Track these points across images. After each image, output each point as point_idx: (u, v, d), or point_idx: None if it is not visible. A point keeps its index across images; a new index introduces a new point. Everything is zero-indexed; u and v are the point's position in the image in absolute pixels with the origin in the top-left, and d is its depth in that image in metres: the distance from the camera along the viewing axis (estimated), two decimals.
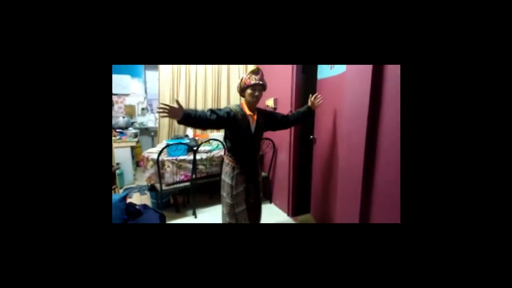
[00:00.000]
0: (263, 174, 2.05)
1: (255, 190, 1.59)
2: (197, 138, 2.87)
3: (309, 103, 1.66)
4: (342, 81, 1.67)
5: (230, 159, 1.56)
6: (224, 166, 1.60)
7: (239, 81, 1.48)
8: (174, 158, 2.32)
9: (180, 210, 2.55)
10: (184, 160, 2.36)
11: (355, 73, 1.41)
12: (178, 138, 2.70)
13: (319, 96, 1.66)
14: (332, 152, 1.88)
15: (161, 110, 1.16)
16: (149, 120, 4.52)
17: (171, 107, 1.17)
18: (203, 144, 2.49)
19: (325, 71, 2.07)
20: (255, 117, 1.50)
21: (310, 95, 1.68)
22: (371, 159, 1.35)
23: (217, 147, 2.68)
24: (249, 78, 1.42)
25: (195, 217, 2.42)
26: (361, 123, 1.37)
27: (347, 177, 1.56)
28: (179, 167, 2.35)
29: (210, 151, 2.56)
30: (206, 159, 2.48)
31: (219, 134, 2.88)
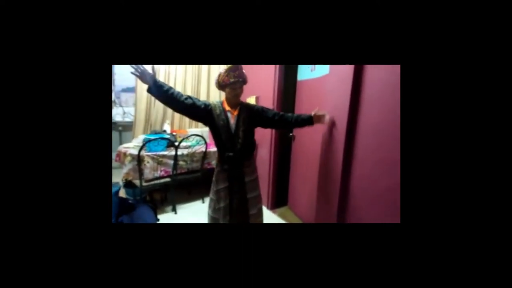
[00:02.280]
0: None
1: (239, 191, 1.50)
2: (175, 133, 2.82)
3: (313, 114, 1.56)
4: (323, 83, 1.83)
5: (217, 156, 1.56)
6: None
7: (216, 76, 1.41)
8: (154, 153, 2.26)
9: (158, 206, 2.50)
10: (164, 156, 2.32)
11: (338, 75, 1.56)
12: (156, 133, 2.63)
13: (328, 117, 1.58)
14: (310, 148, 2.03)
15: (134, 68, 1.19)
16: (117, 114, 4.24)
17: (143, 69, 1.19)
18: (184, 140, 2.46)
19: (305, 73, 2.22)
20: (236, 113, 1.44)
21: (317, 109, 1.58)
22: (349, 156, 1.51)
23: (197, 143, 2.67)
24: (227, 75, 1.35)
25: (175, 213, 2.40)
26: (341, 123, 1.53)
27: (325, 175, 1.71)
28: (159, 162, 2.30)
29: (190, 146, 2.55)
30: (187, 155, 2.47)
31: (199, 130, 2.88)
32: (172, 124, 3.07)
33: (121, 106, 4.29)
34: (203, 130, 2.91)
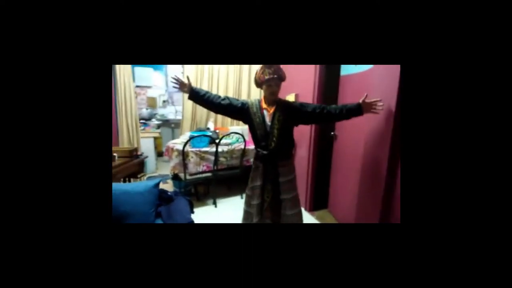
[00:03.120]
0: None
1: (273, 189, 1.48)
2: (218, 131, 2.96)
3: (361, 101, 1.38)
4: (367, 78, 1.68)
5: (254, 154, 1.59)
6: None
7: (255, 74, 1.44)
8: (198, 149, 2.42)
9: (200, 199, 2.67)
10: (206, 152, 2.46)
11: (383, 71, 1.42)
12: (200, 131, 2.81)
13: (381, 103, 1.34)
14: (353, 150, 1.90)
15: (173, 81, 1.37)
16: (170, 112, 4.67)
17: (181, 81, 1.37)
18: (224, 137, 2.57)
19: (349, 67, 2.07)
20: (272, 110, 1.42)
21: (366, 94, 1.38)
22: (395, 158, 1.36)
23: (237, 140, 2.75)
24: (262, 73, 1.36)
25: (215, 206, 2.53)
26: (387, 123, 1.39)
27: (369, 176, 1.58)
28: (202, 158, 2.45)
29: (230, 144, 2.65)
30: (227, 152, 2.57)
31: (239, 128, 2.96)
32: (215, 122, 3.23)
33: (173, 105, 4.72)
34: (243, 128, 2.98)
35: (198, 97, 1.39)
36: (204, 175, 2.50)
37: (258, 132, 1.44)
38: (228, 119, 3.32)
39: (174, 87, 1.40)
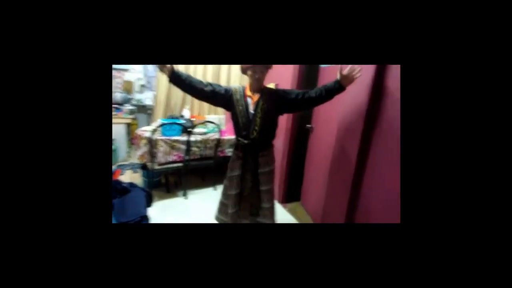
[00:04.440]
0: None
1: (252, 181, 1.45)
2: (193, 119, 2.82)
3: (338, 77, 1.26)
4: None
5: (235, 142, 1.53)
6: None
7: None
8: (168, 138, 2.28)
9: (170, 190, 2.55)
10: (177, 141, 2.32)
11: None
12: (173, 118, 2.65)
13: (359, 69, 1.23)
14: (326, 143, 1.84)
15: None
16: (147, 97, 4.43)
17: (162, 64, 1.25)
18: (198, 126, 2.44)
19: None
20: (256, 98, 1.36)
21: (341, 67, 1.26)
22: (365, 152, 1.31)
23: (212, 130, 2.63)
24: None
25: (186, 198, 2.42)
26: (359, 116, 1.32)
27: (338, 169, 1.53)
28: (172, 147, 2.32)
29: (205, 133, 2.52)
30: (200, 141, 2.45)
31: (216, 117, 2.83)
32: (192, 110, 3.07)
33: (151, 90, 4.48)
34: (220, 117, 2.86)
35: (179, 81, 1.29)
36: (174, 165, 2.37)
37: (240, 120, 1.38)
38: (205, 107, 3.18)
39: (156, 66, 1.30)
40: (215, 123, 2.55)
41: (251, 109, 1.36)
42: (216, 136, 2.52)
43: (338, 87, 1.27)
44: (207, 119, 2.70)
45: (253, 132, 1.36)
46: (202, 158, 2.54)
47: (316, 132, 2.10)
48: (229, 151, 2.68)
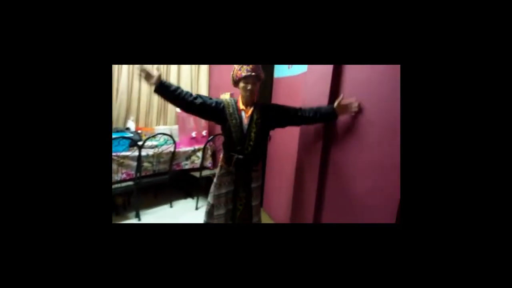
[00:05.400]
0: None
1: (246, 197, 1.40)
2: (140, 131, 2.56)
3: (335, 105, 1.27)
4: (301, 81, 1.74)
5: (222, 156, 1.44)
6: (219, 163, 1.50)
7: (231, 72, 1.34)
8: (115, 154, 2.01)
9: (120, 212, 2.24)
10: (126, 157, 2.07)
11: (316, 73, 1.46)
12: (118, 131, 2.35)
13: (357, 103, 1.20)
14: (287, 151, 1.94)
15: (139, 71, 1.17)
16: None
17: (147, 71, 1.16)
18: (149, 139, 2.23)
19: (282, 70, 2.12)
20: (249, 112, 1.33)
21: (342, 95, 1.28)
22: (326, 158, 1.44)
23: (165, 142, 2.45)
24: (239, 69, 1.27)
25: (139, 219, 2.17)
26: (319, 126, 1.45)
27: (302, 177, 1.63)
28: (120, 164, 2.05)
29: (157, 146, 2.32)
30: (152, 156, 2.24)
31: (166, 128, 2.65)
32: (137, 121, 2.78)
33: None
34: (172, 128, 2.69)
35: (167, 92, 1.20)
36: (123, 184, 2.10)
37: (234, 135, 1.31)
38: (153, 118, 2.93)
39: (140, 75, 1.18)
40: (168, 135, 2.38)
41: (245, 123, 1.33)
42: (170, 148, 2.35)
43: (332, 113, 1.28)
44: (158, 131, 2.49)
45: (248, 147, 1.33)
46: (155, 174, 2.33)
47: (274, 140, 2.20)
48: (185, 164, 2.54)
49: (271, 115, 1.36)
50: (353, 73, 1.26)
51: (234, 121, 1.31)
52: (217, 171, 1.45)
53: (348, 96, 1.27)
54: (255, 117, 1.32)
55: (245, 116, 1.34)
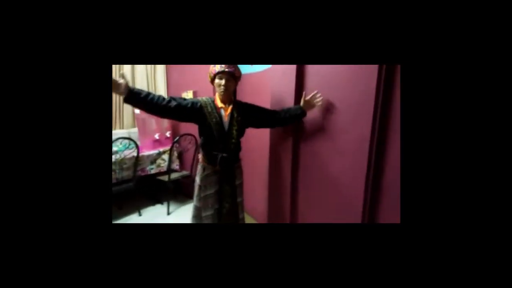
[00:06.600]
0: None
1: (231, 194, 1.43)
2: None
3: (302, 103, 1.35)
4: (265, 77, 1.80)
5: (202, 157, 1.40)
6: (198, 165, 1.44)
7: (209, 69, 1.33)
8: None
9: None
10: None
11: (281, 69, 1.52)
12: None
13: (319, 95, 1.30)
14: (259, 151, 1.99)
15: None
16: None
17: (114, 80, 1.08)
18: None
19: (244, 67, 2.14)
20: (229, 110, 1.33)
21: (304, 93, 1.36)
22: (297, 154, 1.52)
23: (126, 147, 2.28)
24: (214, 65, 1.27)
25: None
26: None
27: (276, 174, 1.70)
28: None
29: (117, 152, 2.15)
30: (114, 163, 2.07)
31: (124, 132, 2.47)
32: None
33: None
34: (131, 131, 2.52)
35: (138, 99, 1.14)
36: None
37: (215, 133, 1.29)
38: None
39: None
40: (129, 138, 2.22)
41: (225, 121, 1.33)
42: (133, 153, 2.20)
43: (301, 113, 1.36)
44: (116, 136, 2.30)
45: (231, 144, 1.34)
46: (119, 182, 2.16)
47: (245, 136, 2.23)
48: (151, 168, 2.41)
49: (250, 114, 1.39)
50: (315, 67, 1.35)
51: (214, 119, 1.30)
52: (198, 173, 1.43)
53: (312, 90, 1.36)
54: (235, 114, 1.33)
55: (225, 114, 1.34)
